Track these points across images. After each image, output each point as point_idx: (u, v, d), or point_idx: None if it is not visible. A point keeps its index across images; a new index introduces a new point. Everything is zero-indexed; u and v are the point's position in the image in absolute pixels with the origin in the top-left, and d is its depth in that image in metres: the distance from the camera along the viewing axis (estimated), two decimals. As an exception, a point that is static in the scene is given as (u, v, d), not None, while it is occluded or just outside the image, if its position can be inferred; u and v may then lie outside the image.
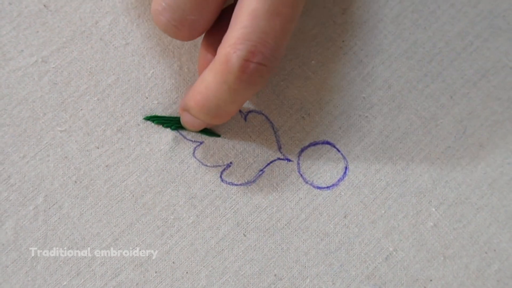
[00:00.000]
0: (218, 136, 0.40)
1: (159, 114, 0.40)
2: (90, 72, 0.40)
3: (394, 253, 0.39)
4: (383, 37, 0.42)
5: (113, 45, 0.41)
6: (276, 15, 0.33)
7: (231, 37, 0.33)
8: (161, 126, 0.40)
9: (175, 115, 0.40)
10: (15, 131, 0.39)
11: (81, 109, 0.40)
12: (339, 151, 0.40)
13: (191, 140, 0.40)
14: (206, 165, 0.40)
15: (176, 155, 0.40)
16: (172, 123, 0.40)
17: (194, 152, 0.40)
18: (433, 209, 0.39)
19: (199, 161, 0.40)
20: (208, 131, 0.40)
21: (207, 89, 0.34)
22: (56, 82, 0.40)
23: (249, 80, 0.33)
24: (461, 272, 0.38)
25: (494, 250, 0.39)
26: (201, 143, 0.40)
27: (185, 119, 0.38)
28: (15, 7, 0.41)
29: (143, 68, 0.41)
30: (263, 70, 0.33)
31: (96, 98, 0.40)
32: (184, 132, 0.40)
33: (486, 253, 0.39)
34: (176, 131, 0.40)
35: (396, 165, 0.40)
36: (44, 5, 0.41)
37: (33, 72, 0.40)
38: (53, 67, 0.40)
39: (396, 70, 0.42)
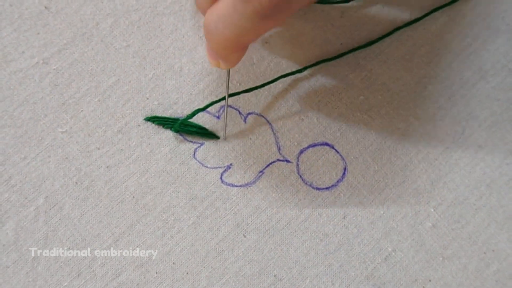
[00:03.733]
0: (218, 138, 0.40)
1: (159, 115, 0.40)
2: (91, 73, 0.40)
3: (393, 253, 0.39)
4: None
5: (114, 47, 0.41)
6: None
7: None
8: (161, 127, 0.40)
9: (175, 116, 0.40)
10: (16, 132, 0.39)
11: (82, 110, 0.40)
12: (338, 152, 0.40)
13: (192, 141, 0.40)
14: (207, 167, 0.40)
15: (176, 156, 0.40)
16: (172, 124, 0.40)
17: (194, 154, 0.40)
18: (432, 210, 0.39)
19: (200, 163, 0.40)
20: (207, 133, 0.40)
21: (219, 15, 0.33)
22: (57, 83, 0.40)
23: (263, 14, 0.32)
24: (459, 273, 0.38)
25: (493, 251, 0.39)
26: (201, 144, 0.40)
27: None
28: (16, 9, 0.41)
29: (143, 69, 0.41)
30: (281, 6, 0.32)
31: (97, 99, 0.40)
32: (184, 134, 0.40)
33: (484, 253, 0.39)
34: (176, 132, 0.40)
35: (395, 166, 0.40)
36: (45, 7, 0.41)
37: (34, 74, 0.40)
38: (54, 69, 0.40)
39: (394, 72, 0.42)
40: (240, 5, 0.32)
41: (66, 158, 0.39)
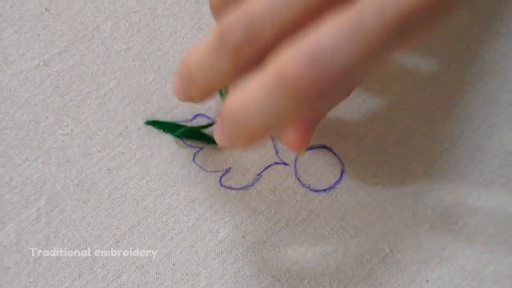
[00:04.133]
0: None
1: (160, 119, 0.40)
2: (91, 76, 0.41)
3: (391, 254, 0.39)
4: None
5: (114, 49, 0.41)
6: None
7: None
8: (161, 131, 0.40)
9: (175, 120, 0.40)
10: (17, 134, 0.39)
11: (83, 113, 0.40)
12: (335, 154, 0.40)
13: (191, 146, 0.40)
14: (206, 170, 0.40)
15: (176, 160, 0.40)
16: (172, 129, 0.40)
17: (194, 158, 0.40)
18: (429, 211, 0.40)
19: (199, 167, 0.40)
20: (208, 139, 0.40)
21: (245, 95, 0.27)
22: (58, 85, 0.40)
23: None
24: (457, 273, 0.38)
25: (491, 252, 0.39)
26: (201, 148, 0.40)
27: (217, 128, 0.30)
28: (16, 10, 0.41)
29: (144, 72, 0.41)
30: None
31: (97, 102, 0.40)
32: (184, 138, 0.40)
33: (482, 254, 0.39)
34: (177, 137, 0.40)
35: (393, 168, 0.40)
36: (46, 9, 0.41)
37: (35, 76, 0.40)
38: (55, 71, 0.40)
39: (392, 73, 0.42)
40: (277, 87, 0.26)
41: (67, 160, 0.39)
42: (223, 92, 0.39)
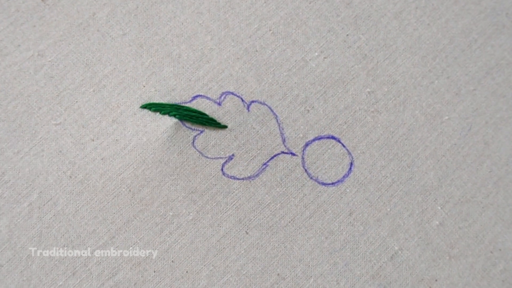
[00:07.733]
0: (218, 125, 0.40)
1: (156, 101, 0.40)
2: (86, 63, 0.40)
3: (400, 252, 0.38)
4: (387, 32, 0.42)
5: (110, 36, 0.41)
6: None
7: None
8: (158, 113, 0.39)
9: (173, 102, 0.40)
10: (10, 126, 0.39)
11: (77, 101, 0.40)
12: (344, 146, 0.40)
13: (191, 128, 0.40)
14: (207, 157, 0.39)
15: (174, 145, 0.39)
16: (170, 109, 0.39)
17: (193, 142, 0.39)
18: (439, 208, 0.39)
19: (199, 152, 0.39)
20: (209, 120, 0.40)
21: None
22: (52, 75, 0.40)
23: None
24: (466, 272, 0.38)
25: (500, 250, 0.39)
26: (201, 131, 0.40)
27: None
28: (12, 3, 0.41)
29: (140, 57, 0.40)
30: None
31: (92, 90, 0.40)
32: (183, 120, 0.40)
33: (491, 252, 0.38)
34: (174, 117, 0.39)
35: (402, 162, 0.40)
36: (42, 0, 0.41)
37: (29, 67, 0.40)
38: (49, 61, 0.40)
39: (400, 66, 0.42)
40: None
41: (60, 151, 0.39)
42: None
